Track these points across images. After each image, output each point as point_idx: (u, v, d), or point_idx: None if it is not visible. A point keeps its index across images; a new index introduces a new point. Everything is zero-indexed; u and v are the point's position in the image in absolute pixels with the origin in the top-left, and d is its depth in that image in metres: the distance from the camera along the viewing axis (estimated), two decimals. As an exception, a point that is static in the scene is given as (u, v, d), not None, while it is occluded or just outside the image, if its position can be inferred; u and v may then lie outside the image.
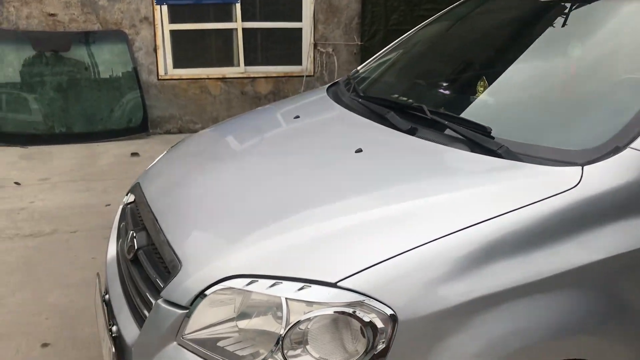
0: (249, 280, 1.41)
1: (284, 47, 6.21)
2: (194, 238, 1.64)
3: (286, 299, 1.36)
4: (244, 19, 5.97)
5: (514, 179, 1.53)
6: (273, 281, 1.39)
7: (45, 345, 2.59)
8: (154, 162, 2.38)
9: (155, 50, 5.85)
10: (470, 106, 2.10)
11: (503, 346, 1.35)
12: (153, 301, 1.58)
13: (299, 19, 6.11)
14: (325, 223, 1.50)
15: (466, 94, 2.22)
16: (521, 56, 2.14)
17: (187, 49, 6.02)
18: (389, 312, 1.31)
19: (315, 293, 1.34)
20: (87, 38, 5.67)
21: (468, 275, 1.35)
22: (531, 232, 1.40)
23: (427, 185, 1.59)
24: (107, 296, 1.93)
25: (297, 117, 2.25)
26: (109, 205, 4.17)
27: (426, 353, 1.33)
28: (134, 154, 5.36)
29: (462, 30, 2.67)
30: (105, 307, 1.90)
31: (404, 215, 1.47)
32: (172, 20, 5.87)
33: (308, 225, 1.51)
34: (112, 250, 2.11)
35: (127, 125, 5.85)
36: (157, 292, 1.59)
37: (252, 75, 6.12)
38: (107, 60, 5.73)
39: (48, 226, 3.81)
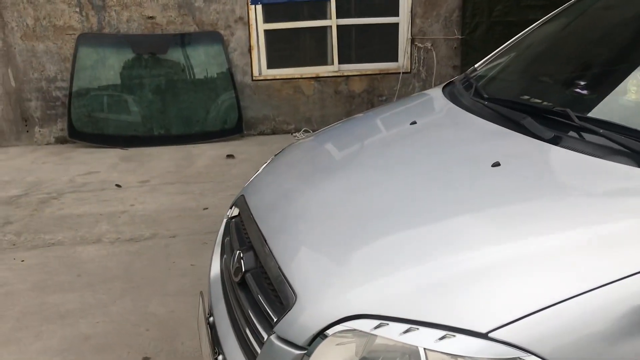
0: (377, 322, 1.20)
1: (380, 44, 5.98)
2: (309, 265, 1.44)
3: (425, 349, 1.13)
4: (338, 16, 5.79)
5: None
6: (407, 326, 1.17)
7: (146, 359, 2.51)
8: (258, 171, 2.22)
9: (249, 50, 5.79)
10: (619, 109, 1.78)
11: None
12: (265, 335, 1.41)
13: (396, 14, 5.85)
14: (467, 257, 1.25)
15: (612, 95, 1.90)
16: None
17: (281, 49, 5.92)
18: (551, 372, 1.06)
19: (460, 344, 1.11)
20: (183, 40, 5.70)
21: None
22: None
23: (590, 211, 1.30)
24: (211, 318, 1.80)
25: (414, 122, 2.01)
26: (206, 209, 4.11)
27: None
28: (230, 156, 5.32)
29: (597, 21, 2.32)
30: (209, 331, 1.76)
31: (564, 250, 1.21)
32: (267, 19, 5.79)
33: (445, 258, 1.27)
34: (215, 267, 1.98)
35: (222, 126, 5.84)
36: (268, 324, 1.42)
37: (346, 74, 5.93)
38: (203, 62, 5.74)
39: (148, 230, 3.80)
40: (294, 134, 5.99)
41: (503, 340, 1.09)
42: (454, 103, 2.13)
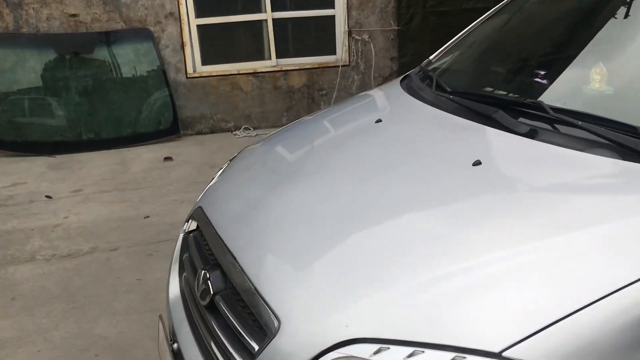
0: (376, 346, 1.09)
1: (317, 37, 5.87)
2: (291, 284, 1.31)
3: (434, 374, 1.04)
4: (273, 9, 5.63)
5: None
6: (411, 349, 1.07)
7: (98, 388, 2.31)
8: (214, 179, 2.06)
9: (182, 47, 5.54)
10: (588, 100, 1.75)
11: None
12: (245, 367, 1.27)
13: (332, 6, 5.75)
14: (465, 268, 1.16)
15: (576, 85, 1.86)
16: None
17: (215, 44, 5.71)
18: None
19: (473, 367, 1.02)
20: (110, 38, 5.39)
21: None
22: None
23: (588, 212, 1.24)
24: (175, 345, 1.64)
25: (379, 120, 1.91)
26: (147, 217, 3.89)
27: None
28: (167, 158, 5.07)
29: (556, 7, 2.29)
30: (174, 360, 1.60)
31: (567, 256, 1.13)
32: (199, 14, 5.55)
33: (443, 270, 1.17)
34: (174, 287, 1.81)
35: (156, 127, 5.57)
36: (248, 354, 1.28)
37: (284, 69, 5.79)
38: (133, 60, 5.45)
39: (86, 244, 3.54)
40: (233, 132, 5.79)
41: (517, 359, 1.00)
42: (416, 98, 2.04)
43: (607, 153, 1.39)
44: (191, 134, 5.76)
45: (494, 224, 1.26)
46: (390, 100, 2.17)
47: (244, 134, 5.74)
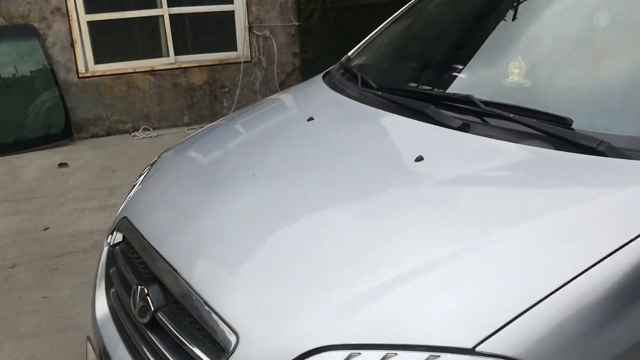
0: (347, 353, 1.06)
1: (217, 33, 5.71)
2: (246, 294, 1.25)
3: (410, 376, 1.02)
4: (170, 4, 5.41)
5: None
6: (383, 352, 1.04)
7: (11, 421, 2.10)
8: (136, 187, 1.93)
9: (72, 44, 5.18)
10: (509, 92, 1.81)
11: None
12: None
13: (230, 1, 5.62)
14: (426, 265, 1.15)
15: (497, 77, 1.92)
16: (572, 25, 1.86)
17: (109, 42, 5.39)
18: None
19: (448, 364, 1.02)
20: (-11, 35, 4.92)
21: (625, 314, 1.07)
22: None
23: (534, 202, 1.28)
24: (109, 368, 1.51)
25: (311, 119, 1.88)
26: (47, 229, 3.60)
27: None
28: (62, 164, 4.73)
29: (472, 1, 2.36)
30: (110, 385, 1.48)
31: (523, 247, 1.16)
32: (89, 10, 5.21)
33: (403, 268, 1.16)
34: (102, 305, 1.68)
35: (47, 131, 5.17)
36: (204, 372, 1.21)
37: (183, 66, 5.58)
38: (15, 59, 5.01)
39: (-22, 263, 3.21)
40: (132, 134, 5.51)
41: (492, 353, 1.01)
42: (343, 95, 2.03)
43: (541, 144, 1.45)
44: (86, 137, 5.41)
45: (447, 219, 1.27)
46: (316, 97, 2.14)
47: (144, 135, 5.48)
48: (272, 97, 2.50)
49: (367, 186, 1.46)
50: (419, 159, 1.48)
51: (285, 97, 2.32)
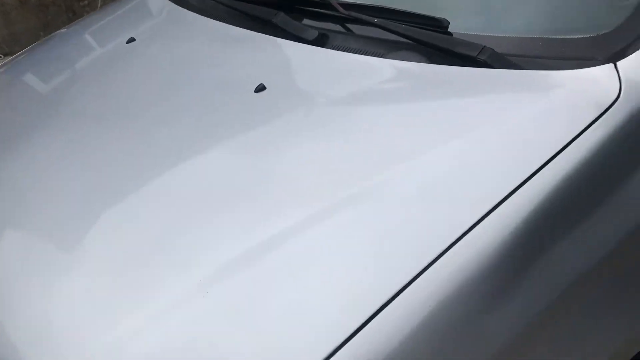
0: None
1: None
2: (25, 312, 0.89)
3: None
4: None
5: (536, 102, 0.98)
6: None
7: None
8: None
9: None
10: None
11: None
12: None
13: None
14: (266, 245, 0.83)
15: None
16: None
17: None
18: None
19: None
20: None
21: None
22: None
23: (411, 134, 0.96)
24: None
25: (132, 40, 1.45)
26: None
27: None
28: None
29: None
30: None
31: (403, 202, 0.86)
32: None
33: (234, 254, 0.84)
34: None
35: None
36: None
37: (29, -23, 4.77)
38: None
39: None
40: (-21, 63, 4.74)
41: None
42: (177, 4, 1.60)
43: (412, 57, 1.13)
44: None
45: (302, 174, 0.93)
46: (147, 9, 1.69)
47: (-5, 63, 4.73)
48: (106, 7, 2.01)
49: (197, 132, 1.10)
50: (260, 88, 1.13)
51: (115, 9, 1.85)
